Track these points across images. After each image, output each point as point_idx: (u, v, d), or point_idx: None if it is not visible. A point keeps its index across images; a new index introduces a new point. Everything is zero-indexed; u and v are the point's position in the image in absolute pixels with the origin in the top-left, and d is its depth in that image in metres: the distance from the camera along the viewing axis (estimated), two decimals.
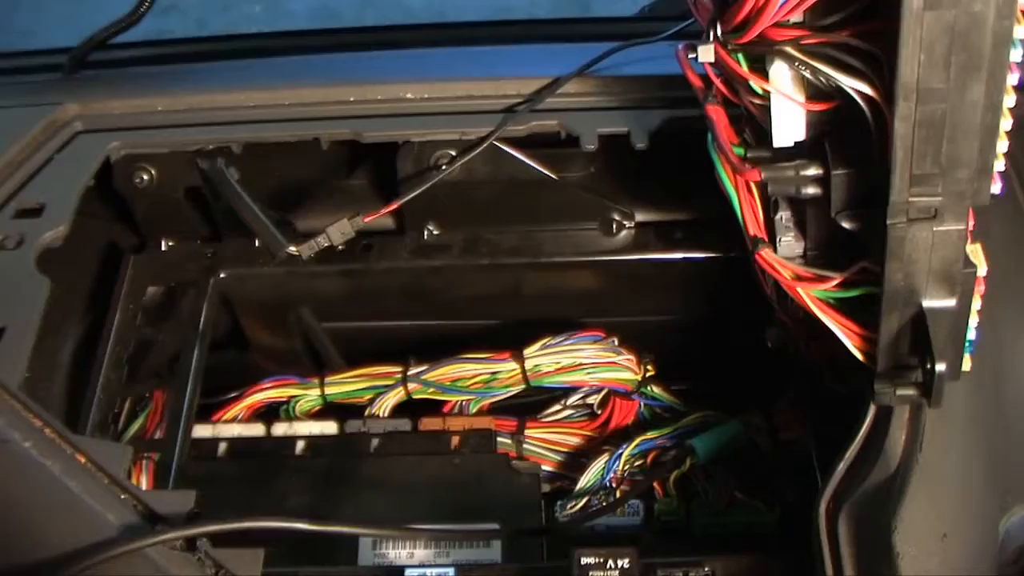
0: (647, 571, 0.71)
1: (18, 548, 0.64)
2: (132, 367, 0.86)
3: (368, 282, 0.91)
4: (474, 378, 0.88)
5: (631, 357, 0.87)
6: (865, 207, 0.61)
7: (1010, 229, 0.79)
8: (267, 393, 0.91)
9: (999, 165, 0.57)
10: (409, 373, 0.88)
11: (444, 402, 0.89)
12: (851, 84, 0.57)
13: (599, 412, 0.88)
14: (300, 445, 0.85)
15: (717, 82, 0.64)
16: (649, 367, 0.88)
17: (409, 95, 0.88)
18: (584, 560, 0.70)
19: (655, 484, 0.82)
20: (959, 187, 0.57)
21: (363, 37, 1.22)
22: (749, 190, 0.66)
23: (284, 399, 0.91)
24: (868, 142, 0.59)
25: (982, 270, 0.62)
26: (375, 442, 0.85)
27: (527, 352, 0.87)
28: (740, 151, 0.64)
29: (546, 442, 0.87)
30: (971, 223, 0.59)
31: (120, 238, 0.94)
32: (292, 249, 0.85)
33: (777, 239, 0.67)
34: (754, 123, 0.64)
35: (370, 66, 1.01)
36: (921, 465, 0.68)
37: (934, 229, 0.59)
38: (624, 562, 0.69)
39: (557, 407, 0.89)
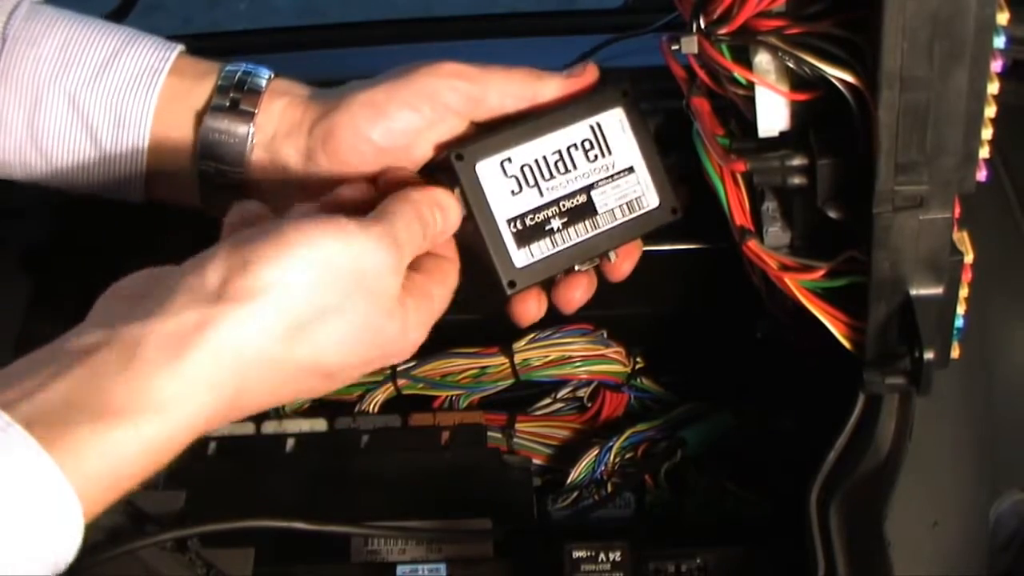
0: (639, 563, 0.71)
1: None
2: None
3: None
4: (463, 373, 0.87)
5: (620, 350, 0.87)
6: (851, 196, 0.61)
7: (996, 217, 0.79)
8: None
9: (984, 152, 0.57)
10: (398, 369, 0.87)
11: (434, 398, 0.89)
12: (834, 73, 0.57)
13: (589, 405, 0.88)
14: (290, 443, 0.85)
15: (701, 73, 0.64)
16: (638, 359, 0.89)
17: None
18: (576, 554, 0.70)
19: (646, 476, 0.83)
20: (944, 175, 0.57)
21: (349, 33, 1.21)
22: (735, 181, 0.66)
23: None
24: (853, 131, 0.59)
25: (969, 258, 0.62)
26: (365, 438, 0.84)
27: (516, 346, 0.87)
28: (725, 142, 0.64)
29: (537, 436, 0.86)
30: (957, 211, 0.60)
31: (106, 238, 0.93)
32: None
33: (764, 229, 0.67)
34: (739, 114, 0.64)
35: (356, 62, 1.00)
36: (911, 453, 0.68)
37: (920, 217, 0.59)
38: (616, 555, 0.69)
39: (547, 400, 0.89)
